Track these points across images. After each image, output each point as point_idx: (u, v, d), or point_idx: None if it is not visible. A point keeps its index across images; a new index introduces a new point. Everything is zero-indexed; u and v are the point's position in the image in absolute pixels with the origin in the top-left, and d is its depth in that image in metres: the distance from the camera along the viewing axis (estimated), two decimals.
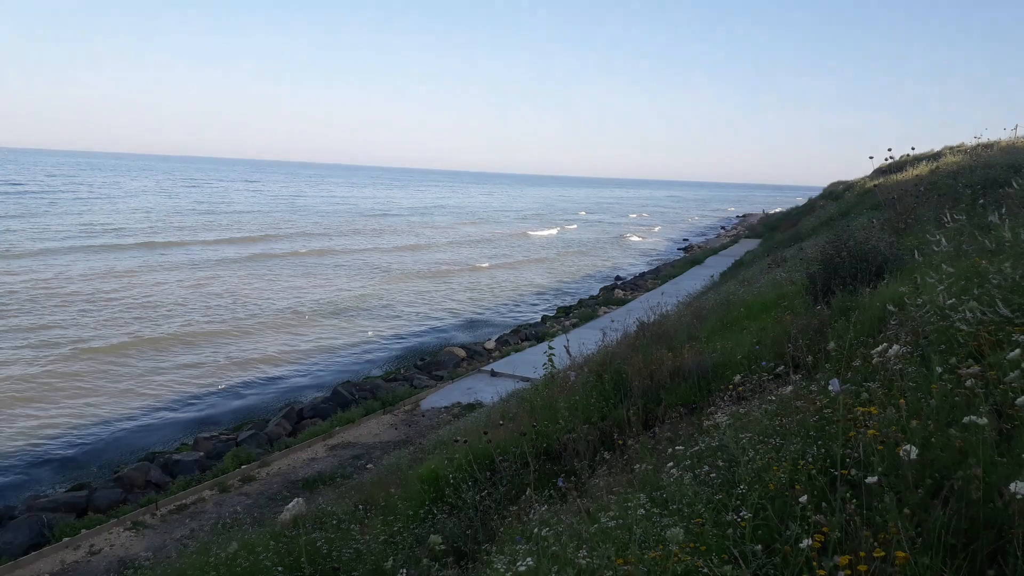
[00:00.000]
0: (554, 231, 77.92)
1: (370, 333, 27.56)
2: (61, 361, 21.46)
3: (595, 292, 37.63)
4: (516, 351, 22.94)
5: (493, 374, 19.46)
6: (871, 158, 14.48)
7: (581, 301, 34.20)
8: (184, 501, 12.25)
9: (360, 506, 8.27)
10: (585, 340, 13.87)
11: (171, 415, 18.26)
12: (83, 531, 11.28)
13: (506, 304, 35.23)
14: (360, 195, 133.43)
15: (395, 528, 6.71)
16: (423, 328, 29.21)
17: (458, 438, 8.77)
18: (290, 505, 7.82)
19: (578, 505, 4.14)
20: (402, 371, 22.15)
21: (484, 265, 48.17)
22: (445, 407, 17.08)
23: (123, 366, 21.50)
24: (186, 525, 11.27)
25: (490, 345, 24.85)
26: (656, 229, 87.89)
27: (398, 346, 26.16)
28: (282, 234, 57.74)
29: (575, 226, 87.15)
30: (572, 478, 5.53)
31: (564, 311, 31.65)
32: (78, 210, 67.94)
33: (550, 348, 9.92)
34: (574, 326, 25.77)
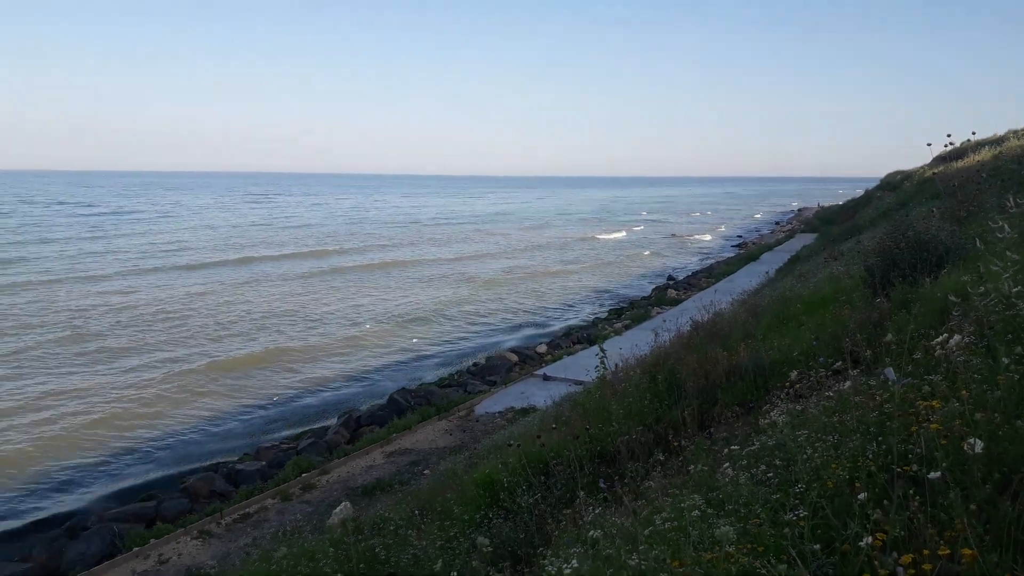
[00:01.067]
0: (622, 233, 76.97)
1: (416, 340, 27.88)
2: (131, 379, 22.26)
3: (648, 293, 37.35)
4: (568, 354, 22.89)
5: (545, 378, 19.45)
6: (929, 145, 13.93)
7: (633, 302, 33.99)
8: (247, 510, 12.55)
9: (417, 512, 8.35)
10: (638, 341, 13.76)
11: (234, 427, 18.77)
12: (152, 540, 11.65)
13: (558, 307, 35.26)
14: (416, 204, 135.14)
15: (451, 533, 6.74)
16: (476, 334, 29.41)
17: (512, 442, 8.79)
18: (337, 509, 8.02)
19: (631, 507, 4.10)
20: (456, 377, 22.34)
21: (554, 269, 48.43)
22: (499, 412, 17.16)
23: (188, 381, 22.16)
24: (249, 533, 11.54)
25: (542, 349, 24.87)
26: (714, 227, 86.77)
27: (452, 352, 26.41)
28: (346, 247, 58.69)
29: (640, 227, 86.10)
30: (626, 480, 5.48)
31: (616, 313, 31.48)
32: (144, 230, 70.47)
33: (602, 350, 9.87)
34: (626, 328, 25.60)
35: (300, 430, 18.38)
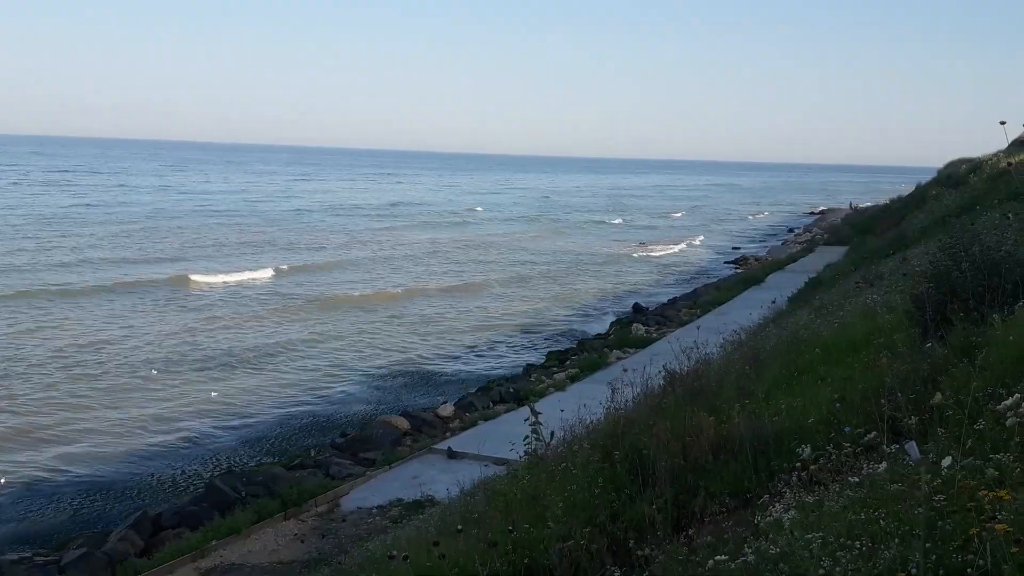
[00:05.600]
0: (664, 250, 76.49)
1: (239, 395, 27.65)
2: None
3: (604, 328, 37.88)
4: (485, 419, 22.96)
5: (451, 455, 19.47)
6: (1003, 124, 14.56)
7: (582, 342, 34.45)
8: None
9: None
10: (588, 400, 13.89)
11: None
12: None
13: (471, 347, 35.52)
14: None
15: None
16: (343, 386, 29.25)
17: (395, 552, 8.73)
18: None
19: None
20: (312, 453, 22.05)
21: (459, 286, 49.62)
22: (379, 507, 17.03)
23: None
24: None
25: (446, 411, 24.83)
26: (700, 233, 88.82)
27: (304, 414, 26.21)
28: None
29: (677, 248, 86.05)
30: None
31: (557, 357, 31.79)
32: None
33: (534, 413, 9.93)
34: (572, 379, 25.88)
35: (66, 532, 17.88)
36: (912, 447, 2.97)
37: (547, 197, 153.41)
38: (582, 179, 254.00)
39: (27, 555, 16.49)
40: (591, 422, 11.31)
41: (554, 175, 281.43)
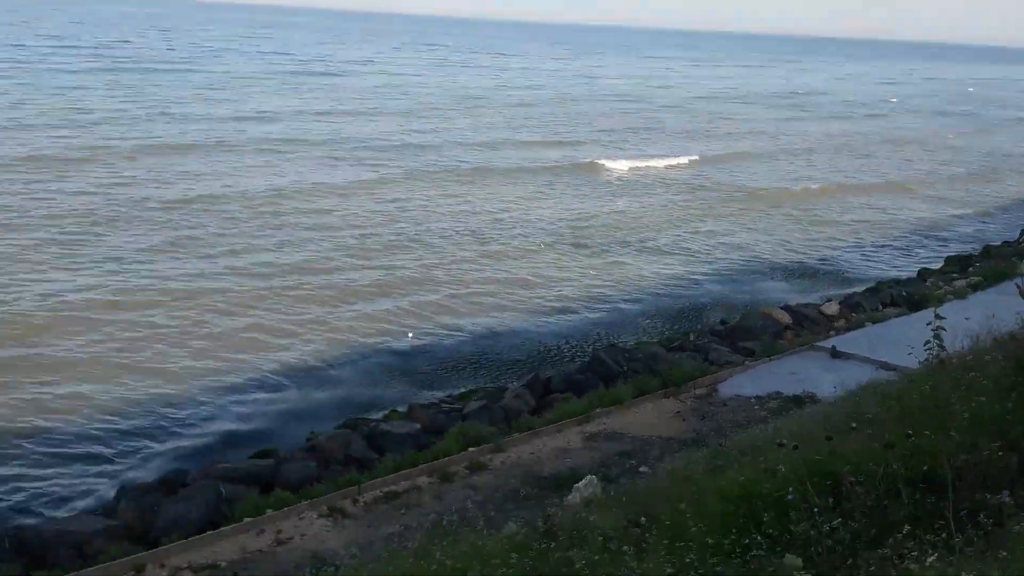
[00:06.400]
0: None
1: (621, 276, 28.62)
2: (259, 289, 24.82)
3: (1014, 236, 35.49)
4: (873, 321, 22.33)
5: (834, 354, 19.17)
6: None
7: (988, 248, 32.49)
8: (394, 487, 13.53)
9: (632, 522, 8.60)
10: (994, 309, 13.03)
11: (378, 369, 20.44)
12: (268, 512, 12.89)
13: (860, 247, 34.52)
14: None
15: (687, 560, 6.89)
16: (724, 275, 29.63)
17: (784, 441, 8.72)
18: (582, 483, 8.74)
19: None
20: (691, 337, 22.48)
21: (849, 184, 48.51)
22: (756, 397, 17.14)
23: (327, 299, 24.53)
24: (396, 520, 12.45)
25: (831, 310, 24.37)
26: None
27: (684, 298, 26.95)
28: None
29: None
30: (979, 518, 5.31)
31: (958, 263, 30.28)
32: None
33: (938, 318, 9.43)
34: (973, 288, 24.57)
35: (466, 386, 19.58)
36: None
37: (969, 89, 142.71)
38: (1002, 70, 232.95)
39: (436, 402, 18.39)
40: (1002, 333, 10.60)
41: (963, 65, 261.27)
